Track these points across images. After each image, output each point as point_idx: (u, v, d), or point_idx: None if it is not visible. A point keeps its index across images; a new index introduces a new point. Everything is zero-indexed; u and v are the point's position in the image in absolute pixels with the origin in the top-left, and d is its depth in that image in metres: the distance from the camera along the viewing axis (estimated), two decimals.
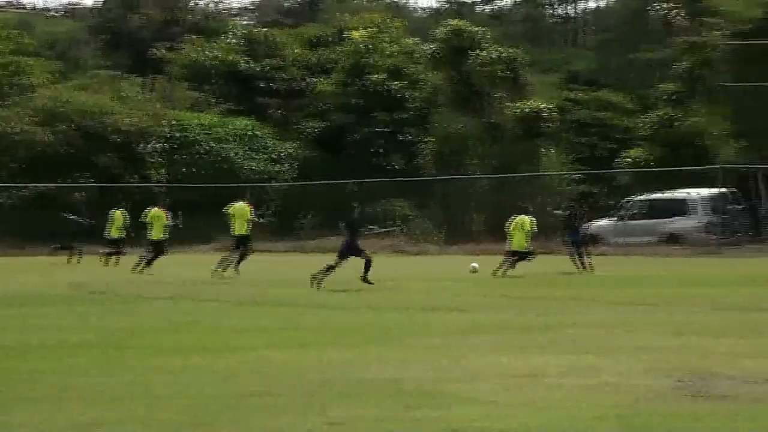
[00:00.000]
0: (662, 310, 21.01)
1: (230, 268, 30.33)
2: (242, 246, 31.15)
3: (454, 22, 54.93)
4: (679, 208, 41.39)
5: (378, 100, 56.78)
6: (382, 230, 43.87)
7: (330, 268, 26.55)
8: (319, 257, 33.66)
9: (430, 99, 55.60)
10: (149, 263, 32.10)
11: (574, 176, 51.81)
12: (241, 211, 31.27)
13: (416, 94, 56.93)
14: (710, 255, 36.51)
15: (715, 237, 39.38)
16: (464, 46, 51.50)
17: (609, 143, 60.60)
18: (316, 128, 57.60)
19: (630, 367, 13.87)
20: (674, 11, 57.66)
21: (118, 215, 37.57)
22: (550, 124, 50.96)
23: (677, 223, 40.83)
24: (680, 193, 41.98)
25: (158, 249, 32.69)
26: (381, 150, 55.86)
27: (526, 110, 49.86)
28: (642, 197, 43.04)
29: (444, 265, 33.78)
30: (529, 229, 31.07)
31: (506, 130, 50.19)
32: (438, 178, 49.56)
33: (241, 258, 30.75)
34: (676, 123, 52.70)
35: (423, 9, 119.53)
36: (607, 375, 13.36)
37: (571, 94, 67.21)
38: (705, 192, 41.12)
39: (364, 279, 26.38)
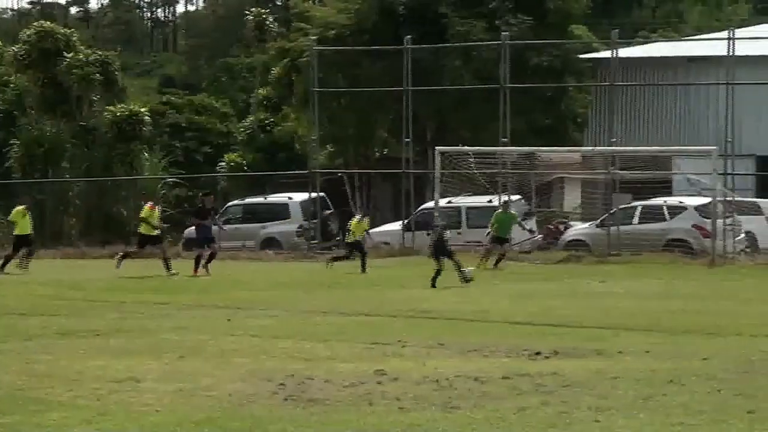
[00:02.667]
0: (261, 313, 21.23)
1: None
2: None
3: (40, 23, 53.47)
4: (280, 212, 42.01)
5: None
6: None
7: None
8: None
9: (18, 101, 53.94)
10: None
11: (172, 180, 51.69)
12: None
13: (2, 96, 55.09)
14: (306, 259, 37.25)
15: (310, 241, 40.16)
16: (53, 48, 50.28)
17: (207, 147, 60.83)
18: None
19: (229, 372, 13.90)
20: (266, 17, 58.52)
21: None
22: (146, 128, 50.61)
23: (276, 228, 41.42)
24: (281, 198, 42.62)
25: None
26: None
27: (121, 113, 49.29)
28: (241, 201, 43.38)
29: (39, 270, 32.76)
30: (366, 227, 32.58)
31: (101, 133, 49.37)
32: (26, 181, 48.03)
33: None
34: (271, 128, 53.54)
35: (5, 9, 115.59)
36: (205, 379, 13.34)
37: (169, 98, 66.99)
38: (301, 196, 41.91)
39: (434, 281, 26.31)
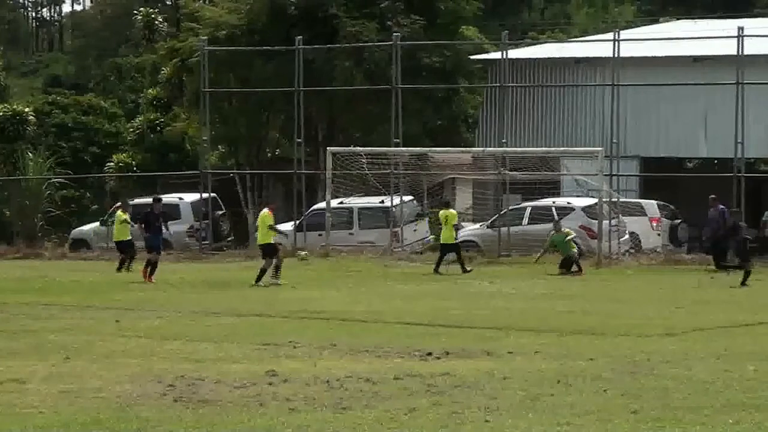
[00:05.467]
0: (151, 314, 21.02)
1: None
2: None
3: None
4: (170, 212, 41.57)
5: None
6: None
7: None
8: None
9: None
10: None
11: (58, 180, 51.00)
12: None
13: None
14: (197, 260, 36.98)
15: (201, 242, 39.85)
16: None
17: (95, 148, 60.08)
18: None
19: (117, 373, 13.77)
20: (155, 16, 57.96)
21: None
22: (31, 128, 49.88)
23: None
24: (171, 198, 42.18)
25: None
26: None
27: (4, 113, 48.54)
28: (130, 202, 42.87)
29: None
30: (455, 222, 31.69)
31: None
32: None
33: None
34: (161, 128, 53.09)
35: None
36: (92, 380, 13.21)
37: (54, 98, 66.03)
38: (192, 197, 41.52)
39: None
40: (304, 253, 34.85)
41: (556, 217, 34.44)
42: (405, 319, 19.95)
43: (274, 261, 27.32)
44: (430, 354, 15.37)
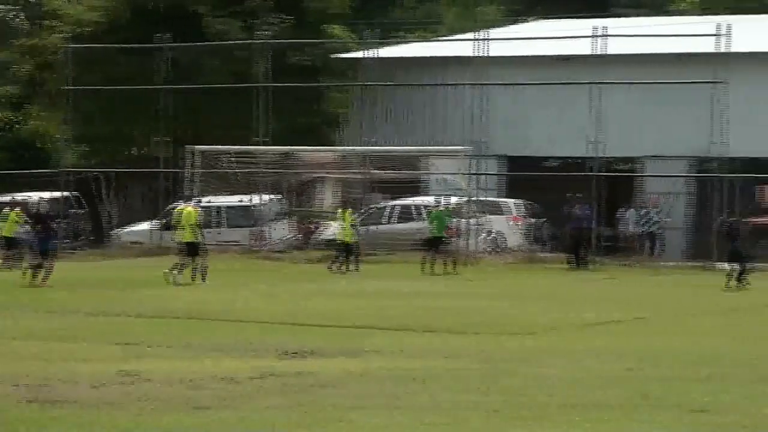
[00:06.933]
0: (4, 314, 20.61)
1: None
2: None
3: None
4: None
5: None
6: None
7: None
8: None
9: None
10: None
11: None
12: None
13: None
14: (66, 259, 36.34)
15: (59, 241, 39.13)
16: None
17: None
18: None
19: None
20: (13, 13, 57.00)
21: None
22: None
23: (22, 227, 40.15)
24: (27, 197, 41.37)
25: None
26: None
27: None
28: None
29: None
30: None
31: None
32: None
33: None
34: (17, 127, 52.09)
35: None
36: None
37: None
38: (50, 196, 40.74)
39: None
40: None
41: (424, 216, 34.67)
42: (263, 317, 19.86)
43: (195, 259, 27.38)
44: (287, 353, 15.31)
